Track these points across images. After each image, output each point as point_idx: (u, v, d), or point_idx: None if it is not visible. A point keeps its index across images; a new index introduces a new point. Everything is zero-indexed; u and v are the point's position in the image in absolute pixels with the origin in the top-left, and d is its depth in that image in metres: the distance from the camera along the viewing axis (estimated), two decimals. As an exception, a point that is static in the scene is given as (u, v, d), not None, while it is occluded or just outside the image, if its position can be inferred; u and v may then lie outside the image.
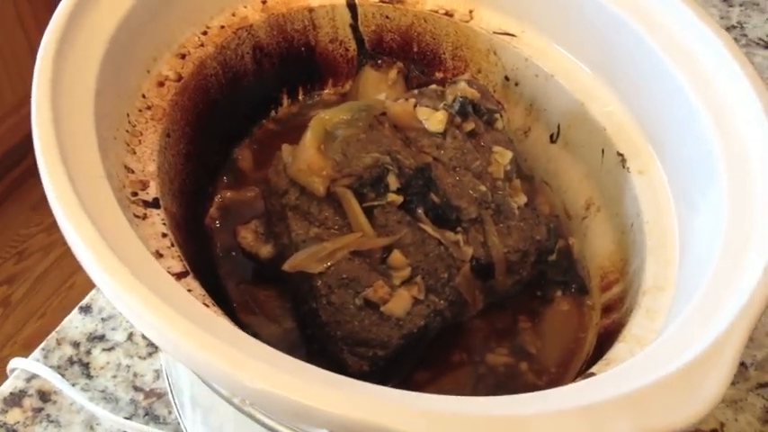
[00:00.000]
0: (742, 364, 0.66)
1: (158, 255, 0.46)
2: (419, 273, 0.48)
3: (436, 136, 0.51)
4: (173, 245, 0.47)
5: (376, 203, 0.49)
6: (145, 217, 0.48)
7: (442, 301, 0.48)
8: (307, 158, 0.49)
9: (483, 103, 0.54)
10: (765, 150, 0.44)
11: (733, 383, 0.64)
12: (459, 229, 0.50)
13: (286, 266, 0.48)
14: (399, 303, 0.46)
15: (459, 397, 0.36)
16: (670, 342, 0.38)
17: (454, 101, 0.52)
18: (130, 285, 0.37)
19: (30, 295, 1.89)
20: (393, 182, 0.49)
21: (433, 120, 0.51)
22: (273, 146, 0.62)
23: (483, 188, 0.51)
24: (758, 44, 0.86)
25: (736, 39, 0.87)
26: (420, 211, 0.49)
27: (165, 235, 0.48)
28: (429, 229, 0.48)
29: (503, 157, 0.52)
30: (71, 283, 1.84)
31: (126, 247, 0.41)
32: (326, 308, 0.47)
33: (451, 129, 0.52)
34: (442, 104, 0.52)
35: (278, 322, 0.53)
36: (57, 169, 0.41)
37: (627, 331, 0.45)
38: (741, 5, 0.95)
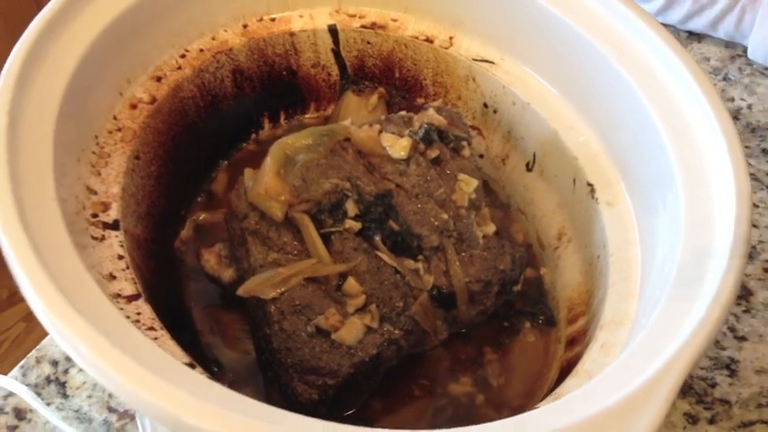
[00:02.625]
0: (726, 402, 0.63)
1: (111, 277, 0.46)
2: (374, 301, 0.47)
3: (399, 163, 0.51)
4: (128, 267, 0.47)
5: (333, 230, 0.48)
6: (102, 238, 0.48)
7: (397, 330, 0.47)
8: (265, 183, 0.49)
9: (451, 130, 0.53)
10: (726, 193, 0.43)
11: (716, 422, 0.62)
12: (420, 257, 0.49)
13: (240, 291, 0.47)
14: (351, 331, 0.46)
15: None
16: (606, 380, 0.37)
17: (420, 128, 0.52)
18: (63, 313, 0.37)
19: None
20: (351, 208, 0.49)
21: (397, 146, 0.51)
22: (249, 168, 0.62)
23: (445, 216, 0.50)
24: (763, 73, 0.84)
25: (740, 68, 0.86)
26: (378, 238, 0.49)
27: (121, 257, 0.48)
28: (385, 256, 0.48)
29: (468, 184, 0.51)
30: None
31: (66, 273, 0.40)
32: (278, 334, 0.47)
33: (416, 156, 0.51)
34: (407, 131, 0.52)
35: (238, 347, 0.52)
36: (3, 193, 0.41)
37: (580, 366, 0.44)
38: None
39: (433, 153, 0.52)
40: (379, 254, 0.48)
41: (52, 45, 0.50)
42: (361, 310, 0.47)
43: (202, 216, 0.60)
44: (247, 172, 0.51)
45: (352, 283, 0.47)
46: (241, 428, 0.33)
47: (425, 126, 0.52)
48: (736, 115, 0.80)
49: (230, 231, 0.52)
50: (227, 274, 0.52)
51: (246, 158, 0.64)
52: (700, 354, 0.35)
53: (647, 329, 0.39)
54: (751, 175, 0.75)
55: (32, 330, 1.97)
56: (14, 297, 1.96)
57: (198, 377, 0.38)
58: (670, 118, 0.48)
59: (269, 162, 0.49)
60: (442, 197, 0.51)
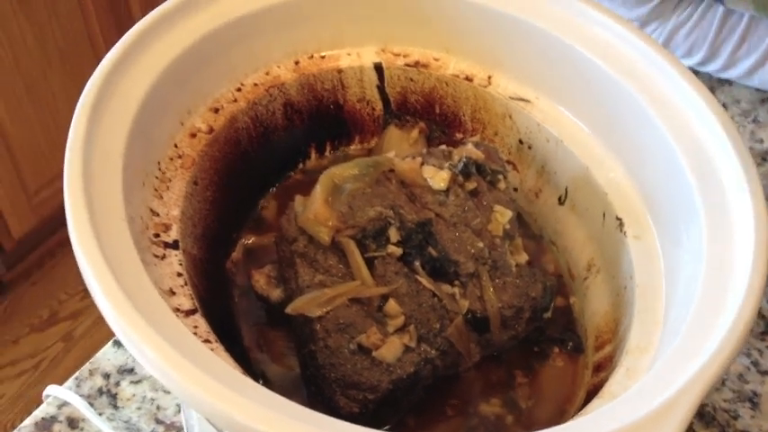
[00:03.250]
0: (748, 434, 0.65)
1: (171, 292, 0.50)
2: (412, 322, 0.50)
3: (439, 193, 0.54)
4: (186, 284, 0.51)
5: (377, 254, 0.52)
6: (164, 257, 0.52)
7: (433, 351, 0.50)
8: (314, 209, 0.53)
9: (488, 164, 0.57)
10: (747, 231, 0.46)
11: (738, 453, 0.64)
12: (456, 282, 0.53)
13: (289, 309, 0.51)
14: (391, 350, 0.49)
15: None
16: (627, 401, 0.39)
17: (459, 161, 0.55)
18: (132, 321, 0.41)
19: (91, 331, 1.97)
20: (394, 235, 0.52)
21: (437, 178, 0.54)
22: (299, 195, 0.66)
23: (481, 244, 0.53)
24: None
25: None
26: (417, 263, 0.52)
27: (180, 274, 0.52)
28: (424, 281, 0.51)
29: (502, 216, 0.55)
30: (130, 320, 1.91)
31: (135, 286, 0.44)
32: (323, 350, 0.50)
33: (454, 187, 0.55)
34: (447, 164, 0.55)
35: (283, 362, 0.56)
36: (80, 212, 0.46)
37: (606, 388, 0.46)
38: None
39: (471, 185, 0.55)
40: (419, 278, 0.51)
41: (122, 79, 0.55)
42: (401, 330, 0.50)
43: (252, 239, 0.64)
44: (297, 199, 0.55)
45: (392, 305, 0.50)
46: (290, 429, 0.37)
47: (464, 160, 0.55)
48: (764, 156, 0.82)
49: (280, 254, 0.56)
50: (276, 294, 0.56)
51: (294, 186, 0.68)
52: (715, 379, 0.38)
53: (669, 355, 0.42)
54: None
55: (71, 349, 2.02)
56: (54, 317, 2.02)
57: (251, 382, 0.42)
58: (695, 157, 0.51)
59: (318, 190, 0.53)
60: (479, 227, 0.54)
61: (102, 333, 1.93)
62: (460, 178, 0.55)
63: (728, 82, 0.92)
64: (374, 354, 0.49)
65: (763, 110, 0.88)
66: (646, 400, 0.38)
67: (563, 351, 0.56)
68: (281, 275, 0.56)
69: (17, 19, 1.76)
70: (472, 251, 0.53)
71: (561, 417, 0.53)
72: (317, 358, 0.50)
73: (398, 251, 0.52)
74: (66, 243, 2.05)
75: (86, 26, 1.91)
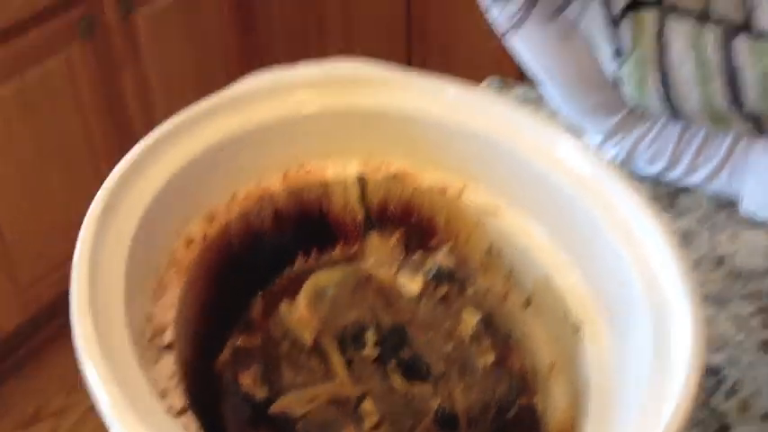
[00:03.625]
0: None
1: (164, 393, 0.55)
2: (386, 420, 0.55)
3: (413, 299, 0.60)
4: (178, 385, 0.56)
5: (355, 356, 0.57)
6: (158, 359, 0.57)
7: None
8: (299, 313, 0.58)
9: (458, 270, 0.62)
10: (684, 337, 0.51)
11: None
12: (428, 381, 0.57)
13: (273, 409, 0.56)
14: None
15: None
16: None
17: (430, 270, 0.61)
18: (131, 425, 0.46)
19: (77, 428, 1.97)
20: (371, 337, 0.57)
21: (411, 285, 0.60)
22: (285, 298, 0.71)
23: (450, 346, 0.58)
24: (748, 223, 0.93)
25: (727, 216, 0.95)
26: (392, 364, 0.57)
27: (173, 375, 0.56)
28: (397, 382, 0.56)
29: (470, 319, 0.60)
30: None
31: (133, 388, 0.49)
32: None
33: (426, 293, 0.60)
34: (420, 272, 0.61)
35: (267, 459, 0.60)
36: (85, 318, 0.51)
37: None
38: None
39: (441, 291, 0.60)
40: (393, 379, 0.56)
41: (126, 194, 0.60)
42: (375, 428, 0.55)
43: (240, 340, 0.68)
44: (283, 304, 0.60)
45: (368, 405, 0.55)
46: None
47: (435, 269, 0.61)
48: (720, 261, 0.88)
49: (266, 354, 0.60)
50: (261, 393, 0.60)
51: (281, 289, 0.73)
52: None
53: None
54: (732, 318, 0.82)
55: (56, 446, 2.02)
56: (40, 413, 2.03)
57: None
58: (643, 268, 0.56)
59: (302, 296, 0.59)
60: (449, 329, 0.59)
61: (88, 429, 1.94)
62: (432, 285, 0.60)
63: (688, 189, 0.99)
64: None
65: (720, 216, 0.94)
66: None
67: (528, 447, 0.61)
68: (267, 376, 0.60)
69: (18, 117, 1.83)
70: (442, 352, 0.58)
71: None
72: (298, 456, 0.55)
73: (374, 353, 0.57)
74: (54, 338, 2.09)
75: (84, 127, 1.99)
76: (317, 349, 0.57)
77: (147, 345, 0.57)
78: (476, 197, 0.72)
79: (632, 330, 0.56)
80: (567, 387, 0.61)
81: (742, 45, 0.71)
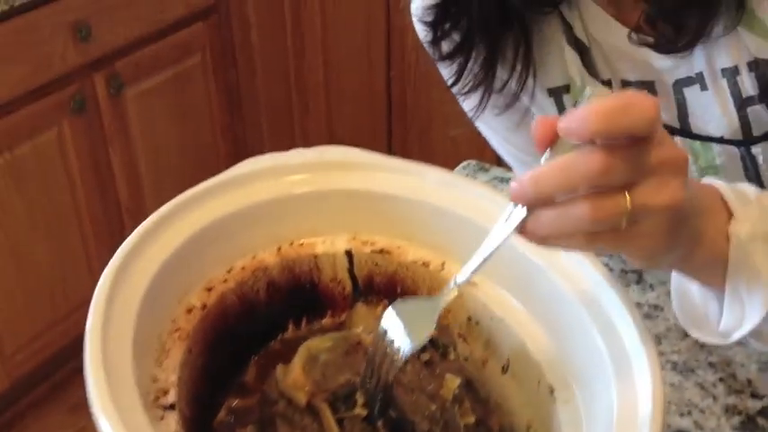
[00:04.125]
0: None
1: (169, 449, 0.59)
2: (378, 479, 0.59)
3: None
4: (182, 442, 0.60)
5: (345, 415, 0.62)
6: (162, 418, 0.61)
7: None
8: (293, 376, 0.63)
9: (440, 338, 0.67)
10: (646, 397, 0.57)
11: None
12: (413, 439, 0.62)
13: None
14: None
15: None
16: None
17: None
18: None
19: (56, 495, 1.97)
20: (360, 397, 0.62)
21: None
22: (276, 363, 0.75)
23: (434, 407, 0.63)
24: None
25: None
26: (380, 423, 0.62)
27: (176, 433, 0.61)
28: None
29: (452, 382, 0.65)
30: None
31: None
32: None
33: (411, 359, 0.65)
34: None
35: None
36: (99, 379, 0.55)
37: None
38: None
39: (425, 357, 0.66)
40: None
41: (133, 267, 0.66)
42: None
43: (235, 402, 0.72)
44: (279, 367, 0.65)
45: None
46: None
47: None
48: (686, 333, 0.94)
49: (262, 415, 0.65)
50: None
51: (273, 355, 0.77)
52: None
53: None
54: (698, 384, 0.88)
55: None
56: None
57: None
58: (608, 336, 0.62)
59: (296, 360, 0.64)
60: (432, 392, 0.64)
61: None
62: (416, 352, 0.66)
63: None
64: None
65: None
66: None
67: (507, 504, 0.65)
68: None
69: (9, 188, 1.88)
70: (426, 413, 0.63)
71: None
72: None
73: (364, 412, 0.62)
74: (36, 405, 2.09)
75: (73, 200, 2.04)
76: (310, 410, 0.62)
77: (152, 404, 0.61)
78: (455, 271, 0.77)
79: (600, 396, 0.61)
80: (542, 446, 0.66)
81: (678, 145, 0.78)
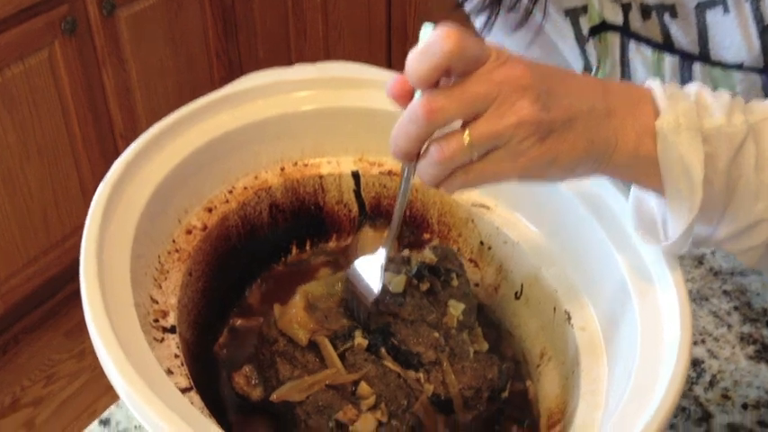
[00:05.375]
0: None
1: (169, 372, 0.56)
2: (382, 400, 0.57)
3: (398, 295, 0.63)
4: (182, 364, 0.57)
5: (346, 347, 0.60)
6: (162, 340, 0.59)
7: (403, 426, 0.57)
8: (294, 315, 0.61)
9: (443, 265, 0.65)
10: (673, 319, 0.54)
11: None
12: (420, 370, 0.60)
13: (273, 396, 0.58)
14: (365, 424, 0.56)
15: None
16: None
17: (414, 266, 0.63)
18: (144, 395, 0.47)
19: (53, 419, 1.97)
20: (359, 335, 0.60)
21: (395, 283, 0.63)
22: (280, 286, 0.73)
23: (437, 335, 0.61)
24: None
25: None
26: (383, 349, 0.59)
27: (176, 356, 0.58)
28: (389, 364, 0.59)
29: (455, 309, 0.63)
30: (93, 410, 1.92)
31: (144, 365, 0.51)
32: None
33: (410, 289, 0.63)
34: (404, 269, 0.63)
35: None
36: (95, 298, 0.52)
37: (554, 462, 0.53)
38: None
39: (425, 286, 0.63)
40: (385, 362, 0.59)
41: (128, 184, 0.62)
42: (373, 408, 0.57)
43: (238, 322, 0.70)
44: (276, 307, 0.64)
45: (364, 387, 0.58)
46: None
47: (418, 265, 0.64)
48: (700, 260, 0.91)
49: (260, 356, 0.62)
50: (256, 393, 0.62)
51: (276, 277, 0.75)
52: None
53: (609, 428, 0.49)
54: (712, 313, 0.86)
55: (33, 438, 2.01)
56: (16, 404, 2.02)
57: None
58: (629, 256, 0.59)
59: (297, 300, 0.63)
60: (435, 320, 0.62)
61: (64, 420, 1.93)
62: (415, 281, 0.63)
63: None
64: (351, 429, 0.55)
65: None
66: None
67: (521, 429, 0.63)
68: (261, 376, 0.62)
69: (1, 110, 1.83)
70: (430, 342, 0.61)
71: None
72: (299, 440, 0.56)
73: (365, 342, 0.60)
74: (31, 330, 2.08)
75: (66, 123, 1.99)
76: (310, 347, 0.60)
77: (152, 326, 0.59)
78: (467, 194, 0.74)
79: (621, 319, 0.58)
80: (557, 373, 0.63)
81: (697, 72, 0.74)
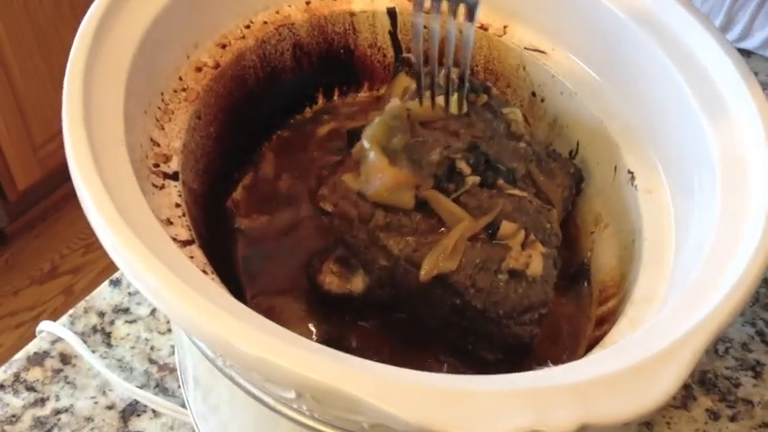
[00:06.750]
0: (749, 402, 0.64)
1: (168, 222, 0.49)
2: (531, 232, 0.50)
3: (462, 117, 0.54)
4: (184, 215, 0.50)
5: (460, 192, 0.50)
6: (162, 187, 0.51)
7: (554, 249, 0.51)
8: (391, 177, 0.50)
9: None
10: (763, 187, 0.44)
11: (738, 420, 0.63)
12: (515, 186, 0.52)
13: (423, 276, 0.48)
14: (537, 263, 0.48)
15: (427, 373, 0.38)
16: (633, 343, 0.38)
17: (461, 82, 0.54)
18: (132, 245, 0.40)
19: (91, 287, 1.96)
20: (464, 167, 0.51)
21: (453, 104, 0.54)
22: (304, 138, 0.65)
23: (523, 145, 0.54)
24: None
25: None
26: (500, 181, 0.51)
27: (178, 205, 0.50)
28: (517, 191, 0.51)
29: (515, 114, 0.56)
30: (130, 277, 1.91)
31: (133, 210, 0.43)
32: (478, 295, 0.48)
33: (470, 106, 0.55)
34: (453, 90, 0.55)
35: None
36: (78, 132, 0.44)
37: (608, 338, 0.45)
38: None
39: (482, 100, 0.55)
40: (512, 192, 0.51)
41: (128, 3, 0.53)
42: (524, 244, 0.49)
43: (259, 174, 0.62)
44: (348, 178, 0.52)
45: (507, 226, 0.49)
46: (285, 354, 0.36)
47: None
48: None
49: (348, 241, 0.52)
50: (358, 284, 0.52)
51: (301, 128, 0.66)
52: (719, 330, 0.37)
53: (674, 305, 0.41)
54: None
55: (71, 303, 2.02)
56: (55, 271, 2.01)
57: (252, 312, 0.40)
58: (711, 106, 0.49)
59: (377, 158, 0.50)
60: (505, 132, 0.54)
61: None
62: (472, 96, 0.55)
63: (747, 53, 0.90)
64: (527, 272, 0.48)
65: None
66: (647, 346, 0.37)
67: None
68: (357, 262, 0.52)
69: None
70: (518, 154, 0.53)
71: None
72: (474, 306, 0.49)
73: (477, 179, 0.51)
74: (70, 197, 2.05)
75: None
76: (416, 207, 0.50)
77: (150, 171, 0.51)
78: (520, 36, 0.64)
79: (697, 182, 0.49)
80: (614, 241, 0.55)
81: None
